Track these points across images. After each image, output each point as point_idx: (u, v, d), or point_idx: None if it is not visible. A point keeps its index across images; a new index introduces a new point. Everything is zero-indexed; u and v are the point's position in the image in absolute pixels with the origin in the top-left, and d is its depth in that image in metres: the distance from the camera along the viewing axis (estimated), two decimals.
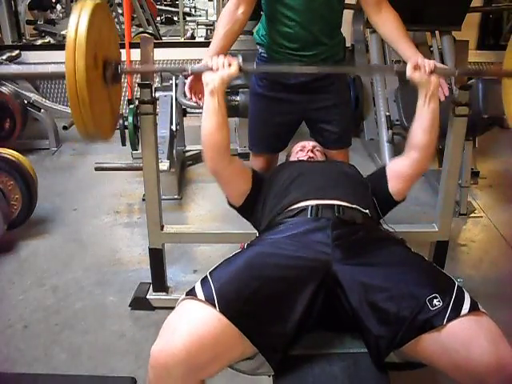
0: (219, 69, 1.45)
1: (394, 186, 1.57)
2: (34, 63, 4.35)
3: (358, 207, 1.42)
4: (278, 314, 1.14)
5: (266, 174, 1.73)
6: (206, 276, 1.17)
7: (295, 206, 1.43)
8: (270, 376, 1.20)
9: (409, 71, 1.47)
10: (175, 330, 1.04)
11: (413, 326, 1.09)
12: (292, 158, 1.86)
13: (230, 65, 1.46)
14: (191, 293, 1.13)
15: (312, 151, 1.84)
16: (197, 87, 1.68)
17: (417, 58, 1.50)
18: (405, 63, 1.55)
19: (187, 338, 1.02)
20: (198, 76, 1.61)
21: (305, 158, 1.81)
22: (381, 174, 1.62)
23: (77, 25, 1.29)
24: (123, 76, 1.59)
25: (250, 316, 1.11)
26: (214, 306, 1.08)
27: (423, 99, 1.48)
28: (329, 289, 1.20)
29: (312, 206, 1.38)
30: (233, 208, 1.68)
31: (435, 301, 1.09)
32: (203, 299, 1.09)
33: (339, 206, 1.38)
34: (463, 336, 1.04)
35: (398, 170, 1.59)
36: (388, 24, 1.74)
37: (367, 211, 1.44)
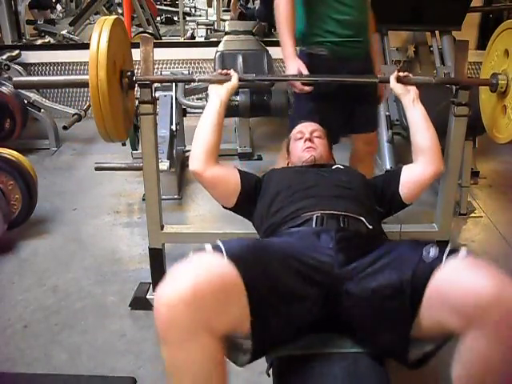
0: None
1: (404, 188, 1.62)
2: (35, 63, 4.38)
3: (364, 220, 1.41)
4: (282, 299, 1.14)
5: (259, 174, 1.72)
6: (217, 242, 1.16)
7: (300, 216, 1.42)
8: (269, 376, 1.20)
9: (392, 81, 1.68)
10: (181, 273, 1.02)
11: (417, 279, 1.11)
12: (292, 144, 1.82)
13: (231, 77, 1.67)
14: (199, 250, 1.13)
15: (310, 139, 1.76)
16: None
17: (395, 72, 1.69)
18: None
19: (194, 279, 1.00)
20: None
21: (305, 156, 1.72)
22: (396, 173, 1.67)
23: (99, 39, 1.48)
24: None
25: (256, 271, 1.11)
26: (222, 255, 1.08)
27: (409, 104, 1.66)
28: (333, 295, 1.19)
29: (317, 216, 1.38)
30: (228, 210, 1.68)
31: (432, 248, 1.14)
32: (211, 250, 1.10)
33: (344, 216, 1.39)
34: (465, 271, 1.06)
35: (411, 174, 1.63)
36: None
37: (371, 227, 1.42)
